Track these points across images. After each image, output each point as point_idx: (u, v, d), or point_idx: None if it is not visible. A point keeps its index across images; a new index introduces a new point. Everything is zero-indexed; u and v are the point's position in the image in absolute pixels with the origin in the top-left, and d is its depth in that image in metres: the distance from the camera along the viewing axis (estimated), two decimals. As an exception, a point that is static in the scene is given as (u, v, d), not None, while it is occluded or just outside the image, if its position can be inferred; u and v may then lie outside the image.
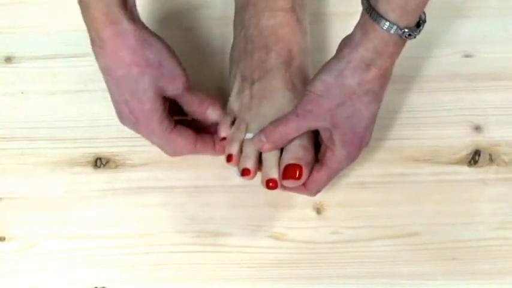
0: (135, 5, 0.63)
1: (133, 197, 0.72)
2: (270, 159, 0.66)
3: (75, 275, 0.68)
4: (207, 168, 0.72)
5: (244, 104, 0.70)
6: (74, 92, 0.78)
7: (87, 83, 0.78)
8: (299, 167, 0.65)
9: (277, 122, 0.66)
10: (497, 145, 0.72)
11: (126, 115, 0.65)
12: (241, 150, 0.67)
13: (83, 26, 0.80)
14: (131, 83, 0.63)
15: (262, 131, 0.66)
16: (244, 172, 0.66)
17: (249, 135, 0.67)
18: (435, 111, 0.74)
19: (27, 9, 0.82)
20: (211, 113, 0.68)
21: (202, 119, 0.69)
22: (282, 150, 0.67)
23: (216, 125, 0.69)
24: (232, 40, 0.75)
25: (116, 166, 0.73)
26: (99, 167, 0.73)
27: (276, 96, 0.69)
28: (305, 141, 0.66)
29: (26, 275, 0.69)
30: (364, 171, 0.72)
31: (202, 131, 0.69)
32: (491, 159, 0.71)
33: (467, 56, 0.77)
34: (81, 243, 0.70)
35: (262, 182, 0.66)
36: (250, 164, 0.66)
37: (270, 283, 0.67)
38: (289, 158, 0.65)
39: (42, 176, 0.73)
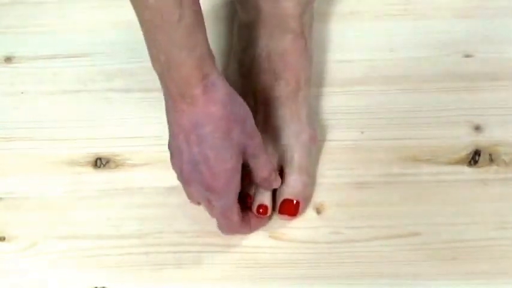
0: None
1: (133, 197, 0.72)
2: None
3: (75, 275, 0.68)
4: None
5: None
6: (74, 92, 0.78)
7: (87, 83, 0.78)
8: (297, 203, 0.67)
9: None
10: (497, 145, 0.72)
11: (201, 174, 0.61)
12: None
13: (82, 26, 0.81)
14: (218, 139, 0.59)
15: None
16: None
17: None
18: (435, 111, 0.74)
19: (27, 9, 0.82)
20: (274, 180, 0.67)
21: (263, 184, 0.67)
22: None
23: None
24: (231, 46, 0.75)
25: (116, 166, 0.73)
26: (99, 167, 0.73)
27: (281, 128, 0.69)
28: (304, 177, 0.68)
29: (26, 275, 0.69)
30: (364, 171, 0.71)
31: None
32: (491, 159, 0.71)
33: (467, 56, 0.77)
34: (81, 243, 0.70)
35: (252, 208, 0.67)
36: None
37: (270, 283, 0.67)
38: (288, 193, 0.67)
39: (42, 176, 0.73)
